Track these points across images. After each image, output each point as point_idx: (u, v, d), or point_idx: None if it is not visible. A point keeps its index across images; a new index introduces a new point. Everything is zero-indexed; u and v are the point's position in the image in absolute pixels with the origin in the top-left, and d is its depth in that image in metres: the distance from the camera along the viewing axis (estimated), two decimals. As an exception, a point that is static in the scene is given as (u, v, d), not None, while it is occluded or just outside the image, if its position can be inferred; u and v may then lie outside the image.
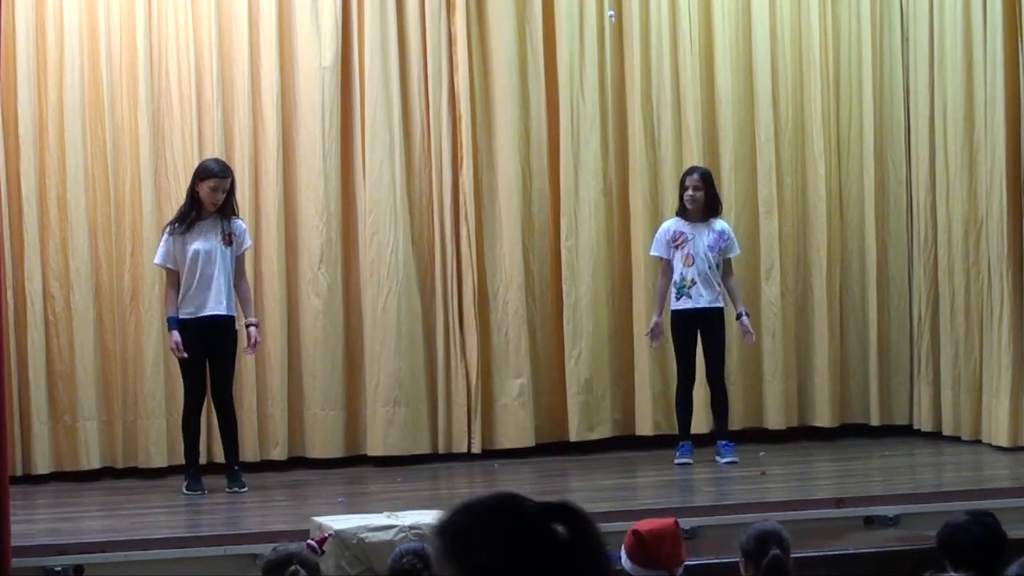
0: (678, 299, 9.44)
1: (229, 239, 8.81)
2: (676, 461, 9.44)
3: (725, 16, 10.46)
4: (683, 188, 9.54)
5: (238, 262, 8.90)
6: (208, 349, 8.79)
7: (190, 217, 8.79)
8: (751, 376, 10.50)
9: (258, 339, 9.04)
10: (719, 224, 9.56)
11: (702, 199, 9.48)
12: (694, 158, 10.29)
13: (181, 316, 8.74)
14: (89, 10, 9.61)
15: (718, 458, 9.44)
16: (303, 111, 9.91)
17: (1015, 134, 9.66)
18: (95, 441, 9.54)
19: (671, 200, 10.31)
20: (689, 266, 9.41)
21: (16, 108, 9.48)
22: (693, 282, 9.41)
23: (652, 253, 9.66)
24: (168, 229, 8.87)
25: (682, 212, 9.54)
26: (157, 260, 8.94)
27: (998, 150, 9.71)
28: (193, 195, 8.83)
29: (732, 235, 9.61)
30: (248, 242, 9.03)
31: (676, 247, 9.46)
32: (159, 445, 9.63)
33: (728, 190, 10.42)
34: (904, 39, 10.59)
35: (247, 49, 9.82)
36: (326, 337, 9.83)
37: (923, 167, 10.38)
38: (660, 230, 9.61)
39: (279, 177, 9.84)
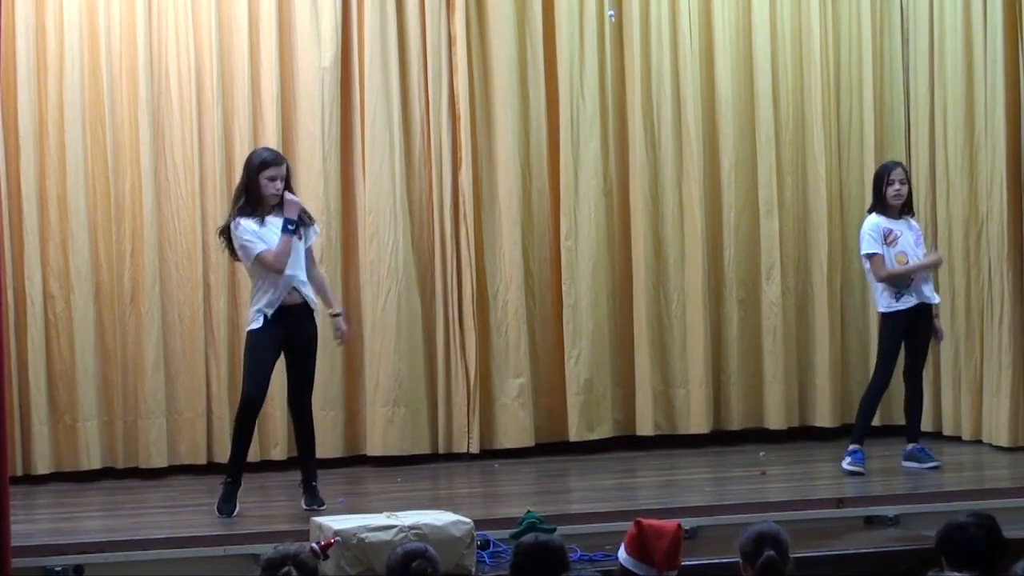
0: (899, 299, 9.03)
1: (299, 233, 8.19)
2: (850, 468, 9.02)
3: (725, 16, 10.46)
4: (886, 183, 9.05)
5: (309, 252, 8.36)
6: (287, 345, 8.21)
7: (256, 210, 8.11)
8: (751, 376, 10.50)
9: (348, 327, 8.56)
10: (912, 221, 9.26)
11: (907, 193, 9.15)
12: (694, 158, 10.30)
13: (261, 320, 8.13)
14: (89, 10, 9.61)
15: (915, 464, 9.14)
16: (303, 111, 9.91)
17: (1015, 134, 9.67)
18: (95, 441, 9.54)
19: (671, 200, 10.33)
20: (904, 264, 9.05)
21: (16, 108, 9.48)
22: (911, 279, 9.04)
23: (868, 251, 9.05)
24: (240, 219, 8.07)
25: (882, 208, 9.09)
26: (258, 250, 8.05)
27: (998, 150, 9.72)
28: (248, 189, 8.14)
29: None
30: (317, 229, 8.50)
31: (888, 244, 9.07)
32: (159, 445, 9.62)
33: (728, 190, 10.43)
34: (904, 39, 10.60)
35: (247, 49, 9.82)
36: (326, 337, 9.82)
37: (923, 167, 10.38)
38: (870, 226, 9.06)
39: (279, 177, 9.83)
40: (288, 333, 8.18)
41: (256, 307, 8.16)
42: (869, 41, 10.61)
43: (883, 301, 9.12)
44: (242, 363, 8.42)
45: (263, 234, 8.09)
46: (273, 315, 8.12)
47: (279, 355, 8.26)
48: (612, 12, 10.23)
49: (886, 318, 9.12)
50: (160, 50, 9.72)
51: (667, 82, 10.33)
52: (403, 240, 9.96)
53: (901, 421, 10.35)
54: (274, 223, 8.13)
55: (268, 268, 8.08)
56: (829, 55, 10.61)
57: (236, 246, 8.16)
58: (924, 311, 9.15)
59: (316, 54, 9.88)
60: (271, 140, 9.76)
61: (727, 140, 10.45)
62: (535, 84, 10.22)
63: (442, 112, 10.06)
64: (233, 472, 8.27)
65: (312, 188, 9.85)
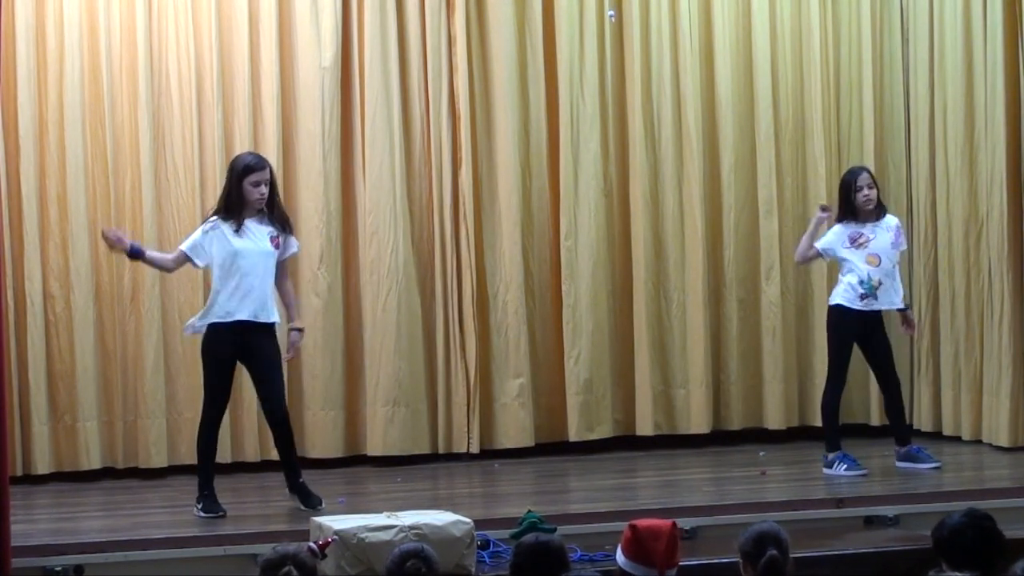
0: (863, 299, 9.02)
1: (277, 242, 8.24)
2: (849, 474, 9.00)
3: (725, 16, 10.46)
4: (853, 189, 9.06)
5: (282, 265, 8.35)
6: (245, 357, 8.26)
7: (237, 215, 8.16)
8: (751, 376, 10.50)
9: (299, 344, 8.53)
10: (892, 220, 9.24)
11: (877, 197, 9.13)
12: (694, 158, 10.30)
13: (214, 320, 8.14)
14: (89, 10, 9.62)
15: (911, 464, 9.15)
16: (303, 111, 9.91)
17: (1015, 134, 9.66)
18: (95, 441, 9.55)
19: (671, 200, 10.32)
20: (876, 266, 9.03)
21: (16, 108, 9.49)
22: (880, 283, 9.03)
23: (820, 246, 9.13)
24: (211, 220, 8.22)
25: (851, 215, 9.08)
26: (184, 248, 8.26)
27: (998, 150, 9.72)
28: (231, 195, 8.24)
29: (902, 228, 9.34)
30: (296, 244, 8.50)
31: (857, 247, 9.05)
32: (159, 445, 9.63)
33: (728, 190, 10.44)
34: (904, 40, 10.60)
35: (247, 49, 9.82)
36: (326, 337, 9.83)
37: (923, 167, 10.38)
38: (833, 234, 9.09)
39: (279, 177, 9.81)
40: (246, 348, 8.22)
41: (208, 317, 8.18)
42: (869, 41, 10.61)
43: (845, 294, 9.05)
44: (204, 375, 8.36)
45: (239, 237, 8.16)
46: (228, 327, 8.15)
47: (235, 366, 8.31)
48: (612, 12, 10.22)
49: (840, 312, 9.04)
50: (160, 50, 9.73)
51: (667, 82, 10.33)
52: (403, 240, 9.96)
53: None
54: (253, 229, 8.18)
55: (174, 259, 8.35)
56: (829, 55, 10.61)
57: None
58: (877, 317, 9.12)
59: (316, 54, 9.88)
60: (271, 140, 9.77)
61: (727, 140, 10.45)
62: (535, 84, 10.22)
63: (442, 112, 10.06)
64: (211, 485, 8.29)
65: (312, 188, 9.86)
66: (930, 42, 10.29)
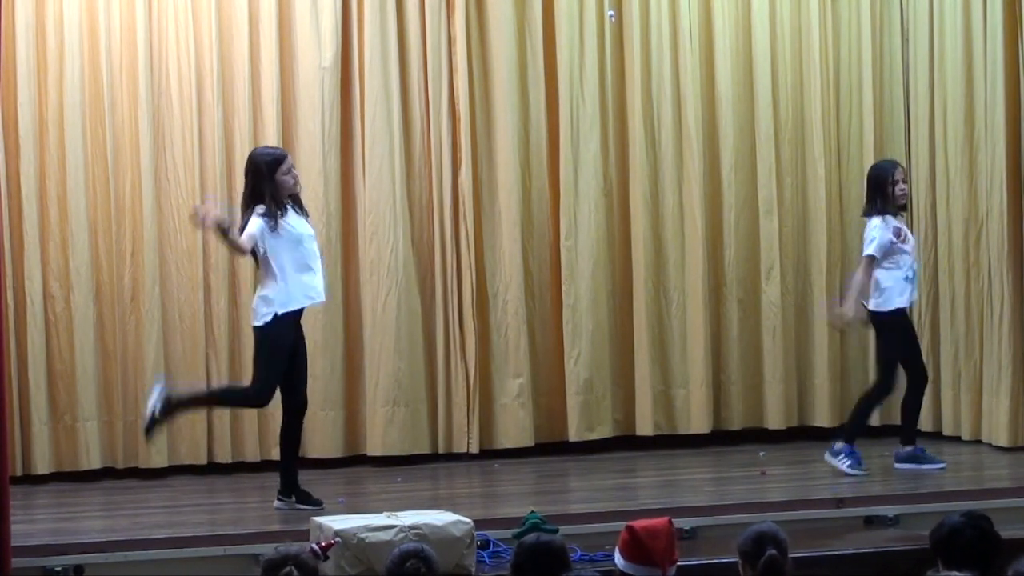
0: (913, 292, 9.14)
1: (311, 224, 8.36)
2: (852, 471, 8.94)
3: (725, 16, 10.46)
4: (891, 182, 9.05)
5: None
6: (293, 349, 8.25)
7: (280, 206, 8.10)
8: (751, 376, 10.50)
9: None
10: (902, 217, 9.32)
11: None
12: (694, 158, 10.30)
13: (284, 310, 8.07)
14: (89, 10, 9.62)
15: (915, 465, 9.14)
16: (303, 111, 9.91)
17: (1015, 134, 9.67)
18: (95, 441, 9.55)
19: (671, 200, 10.32)
20: (913, 260, 9.16)
21: (16, 108, 9.49)
22: (914, 272, 9.17)
23: (873, 253, 8.96)
24: (263, 216, 8.05)
25: (886, 208, 9.05)
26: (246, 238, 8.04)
27: (998, 150, 9.72)
28: (266, 192, 8.09)
29: None
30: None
31: (902, 242, 9.04)
32: (159, 445, 9.60)
33: (728, 190, 10.43)
34: (904, 39, 10.60)
35: (247, 49, 9.83)
36: (325, 337, 9.83)
37: (923, 167, 10.38)
38: (880, 229, 8.98)
39: (279, 177, 9.82)
40: (297, 336, 8.24)
41: (288, 305, 8.15)
42: (869, 41, 10.61)
43: (901, 296, 9.04)
44: (265, 364, 8.23)
45: (297, 222, 8.18)
46: (295, 315, 8.17)
47: None
48: (612, 12, 10.22)
49: (901, 314, 9.08)
50: (160, 50, 9.73)
51: (667, 82, 10.33)
52: (403, 240, 9.96)
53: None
54: (293, 214, 8.17)
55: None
56: (829, 55, 10.60)
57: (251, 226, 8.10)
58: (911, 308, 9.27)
59: (316, 54, 9.88)
60: (271, 140, 9.76)
61: (727, 140, 10.45)
62: (535, 84, 10.22)
63: (442, 112, 10.06)
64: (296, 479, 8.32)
65: (312, 188, 9.84)
66: (930, 42, 10.29)
